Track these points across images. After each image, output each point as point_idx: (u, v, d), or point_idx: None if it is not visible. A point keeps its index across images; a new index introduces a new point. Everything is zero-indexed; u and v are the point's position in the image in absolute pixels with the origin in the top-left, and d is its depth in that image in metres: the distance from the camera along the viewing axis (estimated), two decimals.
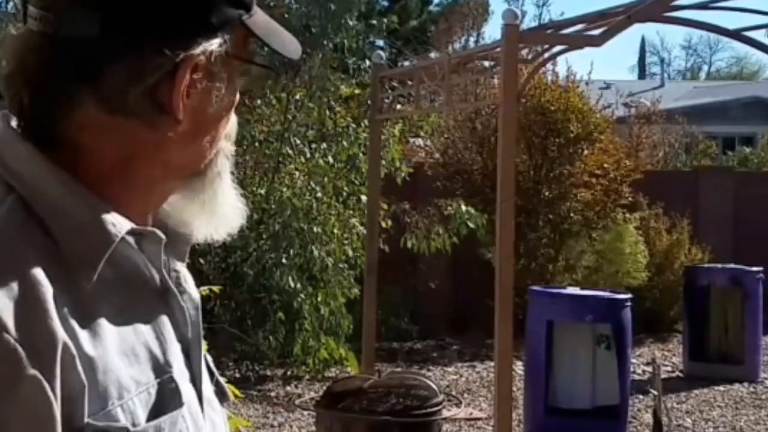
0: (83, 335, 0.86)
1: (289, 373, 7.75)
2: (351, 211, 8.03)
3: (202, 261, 7.21)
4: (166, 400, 0.93)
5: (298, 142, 8.01)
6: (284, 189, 7.77)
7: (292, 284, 7.46)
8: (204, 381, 1.03)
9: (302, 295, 7.56)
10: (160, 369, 0.93)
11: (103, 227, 0.91)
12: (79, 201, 0.91)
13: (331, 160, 8.03)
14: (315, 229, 7.61)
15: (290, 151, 7.96)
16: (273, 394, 7.29)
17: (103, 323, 0.89)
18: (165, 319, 0.97)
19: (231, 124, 1.03)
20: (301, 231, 7.60)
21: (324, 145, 8.14)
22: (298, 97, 8.19)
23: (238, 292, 7.60)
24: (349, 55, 8.74)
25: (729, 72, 50.85)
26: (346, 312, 7.76)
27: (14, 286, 0.83)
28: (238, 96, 1.02)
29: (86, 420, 0.85)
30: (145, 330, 0.94)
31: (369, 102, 6.97)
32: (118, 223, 0.92)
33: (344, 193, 8.09)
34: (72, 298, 0.87)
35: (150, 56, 0.91)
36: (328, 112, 8.27)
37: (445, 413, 5.24)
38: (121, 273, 0.93)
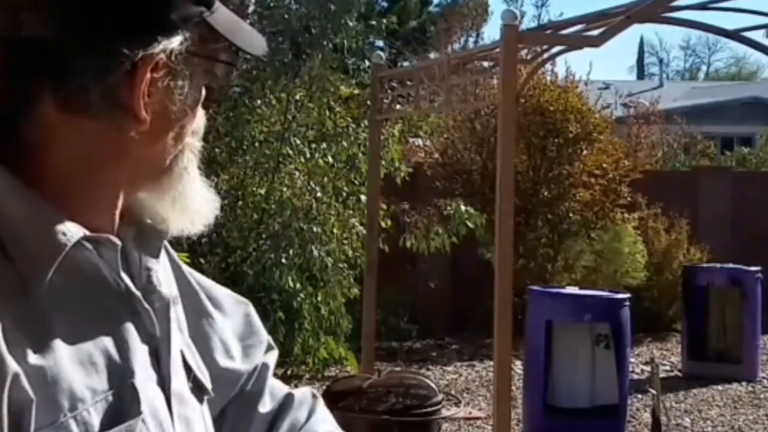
0: (35, 351, 0.85)
1: (288, 372, 7.76)
2: (351, 211, 8.04)
3: (202, 261, 7.21)
4: (125, 408, 0.91)
5: (298, 142, 8.02)
6: (284, 189, 7.78)
7: (291, 284, 7.47)
8: (176, 379, 1.01)
9: (302, 295, 7.57)
10: (120, 376, 0.92)
11: (52, 236, 0.89)
12: (30, 209, 0.90)
13: (330, 160, 8.04)
14: (315, 229, 7.62)
15: (290, 151, 7.97)
16: None
17: (56, 334, 0.87)
18: (128, 325, 0.96)
19: (197, 120, 1.02)
20: (300, 231, 7.61)
21: (324, 145, 8.15)
22: (298, 97, 8.20)
23: (238, 292, 7.57)
24: (348, 56, 8.74)
25: (727, 72, 50.87)
26: (345, 312, 7.78)
27: None
28: (204, 93, 1.00)
29: None
30: (105, 338, 0.92)
31: (368, 102, 6.98)
32: (68, 231, 0.90)
33: (344, 193, 8.10)
34: (25, 312, 0.86)
35: (108, 55, 0.90)
36: (327, 113, 8.28)
37: (445, 412, 5.25)
38: (79, 281, 0.92)
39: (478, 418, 6.73)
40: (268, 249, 7.67)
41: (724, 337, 8.45)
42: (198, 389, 1.07)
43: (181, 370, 1.04)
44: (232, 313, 1.25)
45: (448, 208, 8.41)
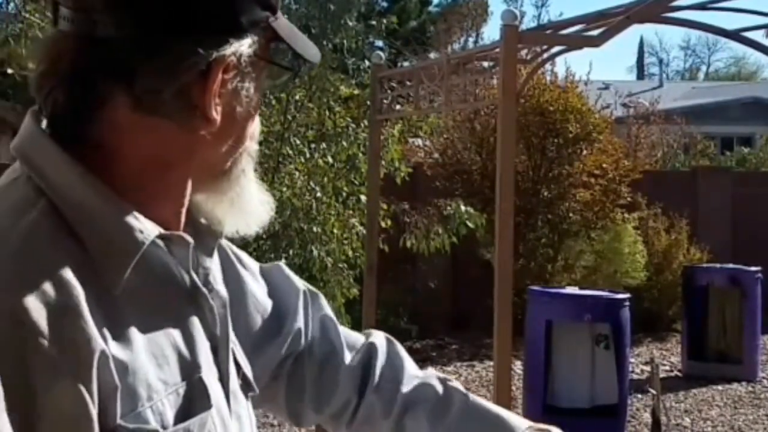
0: (114, 339, 0.87)
1: None
2: (351, 211, 8.03)
3: None
4: (194, 401, 0.94)
5: (298, 142, 8.02)
6: (284, 189, 7.78)
7: None
8: (231, 377, 1.04)
9: None
10: (189, 370, 0.95)
11: (130, 234, 0.91)
12: (107, 206, 0.91)
13: (330, 160, 8.04)
14: (315, 229, 7.62)
15: (290, 151, 7.97)
16: None
17: (133, 327, 0.90)
18: (195, 320, 0.99)
19: (255, 124, 1.04)
20: (300, 231, 7.60)
21: (324, 145, 8.15)
22: (297, 97, 8.20)
23: None
24: (348, 56, 8.74)
25: (727, 72, 50.88)
26: (345, 312, 7.77)
27: (49, 290, 0.83)
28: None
29: (118, 421, 0.86)
30: (174, 332, 0.95)
31: (368, 102, 6.98)
32: (146, 230, 0.92)
33: (344, 193, 8.10)
34: (102, 302, 0.87)
35: (183, 56, 0.91)
36: (327, 113, 8.27)
37: None
38: (151, 277, 0.94)
39: None
40: (268, 249, 7.67)
41: (724, 337, 8.45)
42: (246, 386, 1.10)
43: (233, 367, 1.07)
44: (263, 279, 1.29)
45: (448, 208, 8.40)
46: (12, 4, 9.66)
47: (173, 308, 0.96)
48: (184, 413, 0.92)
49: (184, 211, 1.01)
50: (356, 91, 8.81)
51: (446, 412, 1.21)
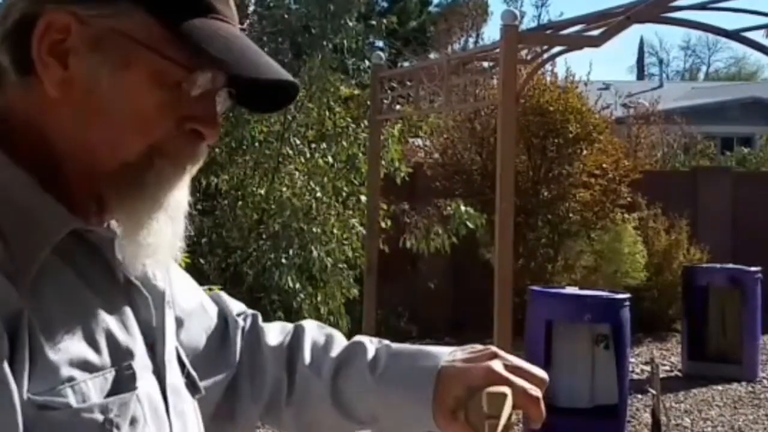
0: (34, 319, 0.86)
1: None
2: (351, 212, 8.03)
3: (202, 261, 7.22)
4: (121, 386, 0.93)
5: (298, 142, 8.02)
6: (284, 189, 7.78)
7: (291, 284, 7.47)
8: (171, 372, 1.03)
9: (302, 295, 7.58)
10: (119, 356, 0.94)
11: (45, 223, 0.91)
12: (24, 194, 0.92)
13: (330, 160, 8.04)
14: (314, 230, 7.62)
15: (290, 151, 7.97)
16: None
17: (53, 311, 0.89)
18: (127, 310, 0.98)
19: (174, 142, 0.96)
20: (300, 231, 7.60)
21: (324, 145, 8.15)
22: (297, 97, 8.21)
23: (238, 292, 7.60)
24: (348, 56, 8.75)
25: (727, 72, 50.89)
26: (344, 312, 7.77)
27: None
28: (195, 108, 0.96)
29: (26, 396, 0.84)
30: (106, 318, 0.94)
31: (368, 102, 6.99)
32: (61, 221, 0.92)
33: (344, 194, 8.10)
34: (22, 284, 0.87)
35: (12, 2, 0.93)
36: (327, 113, 8.28)
37: None
38: (73, 267, 0.94)
39: None
40: (268, 249, 7.67)
41: (724, 338, 8.45)
42: (191, 385, 1.08)
43: (176, 364, 1.06)
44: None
45: (448, 208, 8.40)
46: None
47: (105, 300, 0.95)
48: (108, 396, 0.92)
49: (94, 208, 0.99)
50: (356, 91, 8.82)
51: (376, 363, 1.18)
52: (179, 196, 0.99)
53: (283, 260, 7.51)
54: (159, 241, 0.98)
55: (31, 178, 0.92)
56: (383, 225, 7.59)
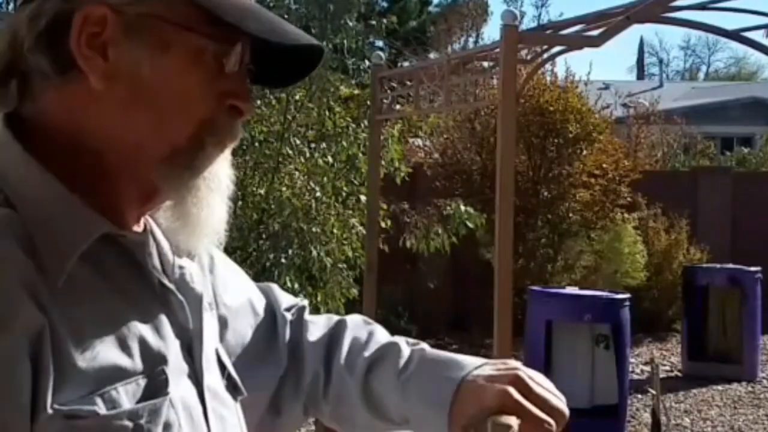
0: (59, 327, 0.86)
1: None
2: (350, 211, 8.03)
3: None
4: (154, 392, 0.92)
5: (298, 142, 8.01)
6: (284, 189, 7.77)
7: (291, 284, 7.47)
8: (210, 375, 1.02)
9: (301, 295, 7.56)
10: (152, 362, 0.93)
11: (75, 230, 0.90)
12: (54, 200, 0.91)
13: (330, 160, 8.03)
14: (314, 229, 7.61)
15: (290, 152, 7.97)
16: None
17: (84, 318, 0.88)
18: (162, 316, 0.97)
19: (203, 107, 0.96)
20: (300, 231, 7.60)
21: (323, 145, 8.15)
22: (297, 97, 8.20)
23: None
24: (348, 56, 8.74)
25: (727, 72, 50.86)
26: (344, 312, 7.77)
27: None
28: (228, 85, 0.96)
29: (56, 406, 0.84)
30: (139, 325, 0.93)
31: (368, 102, 6.99)
32: (92, 225, 0.92)
33: (344, 193, 8.10)
34: (49, 289, 0.87)
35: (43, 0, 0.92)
36: (327, 113, 8.27)
37: None
38: (104, 272, 0.93)
39: None
40: (267, 249, 7.66)
41: (724, 337, 8.45)
42: (232, 387, 1.07)
43: (215, 367, 1.05)
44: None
45: (448, 208, 8.40)
46: (12, 5, 9.65)
47: (138, 304, 0.95)
48: (141, 402, 0.91)
49: (133, 206, 0.98)
50: (356, 91, 8.81)
51: (406, 366, 1.16)
52: (223, 176, 1.00)
53: (283, 260, 7.51)
54: (211, 221, 0.99)
55: (62, 185, 0.92)
56: (383, 225, 7.59)
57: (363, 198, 7.63)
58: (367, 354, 1.20)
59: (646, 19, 4.92)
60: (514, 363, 1.10)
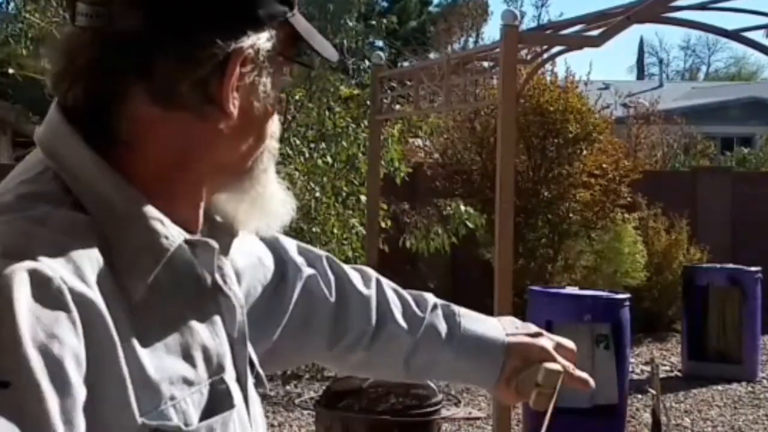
0: (135, 338, 0.87)
1: (288, 372, 7.76)
2: (350, 211, 8.04)
3: None
4: (217, 401, 0.94)
5: (298, 142, 8.02)
6: None
7: None
8: (248, 378, 1.04)
9: None
10: (213, 370, 0.94)
11: (156, 240, 0.91)
12: (132, 208, 0.91)
13: (330, 160, 8.04)
14: (314, 229, 7.62)
15: (290, 152, 7.97)
16: (272, 393, 7.30)
17: (156, 327, 0.90)
18: (217, 319, 0.98)
19: (274, 122, 1.03)
20: (300, 231, 7.61)
21: (323, 145, 8.16)
22: (297, 97, 8.21)
23: None
24: (348, 56, 8.75)
25: (727, 72, 50.88)
26: None
27: (77, 262, 0.84)
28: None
29: (140, 419, 0.85)
30: (201, 332, 0.94)
31: (368, 102, 6.99)
32: (171, 236, 0.92)
33: (344, 193, 8.11)
34: (125, 300, 0.87)
35: (201, 47, 0.91)
36: (327, 113, 8.28)
37: (444, 413, 5.25)
38: (176, 281, 0.94)
39: (477, 418, 6.73)
40: None
41: (724, 337, 8.44)
42: (258, 383, 1.09)
43: (248, 366, 1.06)
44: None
45: (448, 208, 8.41)
46: (12, 5, 9.66)
47: (199, 310, 0.96)
48: (207, 413, 0.92)
49: (201, 209, 1.01)
50: (356, 91, 8.82)
51: (453, 326, 1.31)
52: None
53: None
54: (276, 202, 1.05)
55: (137, 190, 0.92)
56: (383, 225, 7.59)
57: (363, 198, 7.63)
58: (421, 314, 1.31)
59: (646, 19, 4.92)
60: (520, 322, 1.36)
